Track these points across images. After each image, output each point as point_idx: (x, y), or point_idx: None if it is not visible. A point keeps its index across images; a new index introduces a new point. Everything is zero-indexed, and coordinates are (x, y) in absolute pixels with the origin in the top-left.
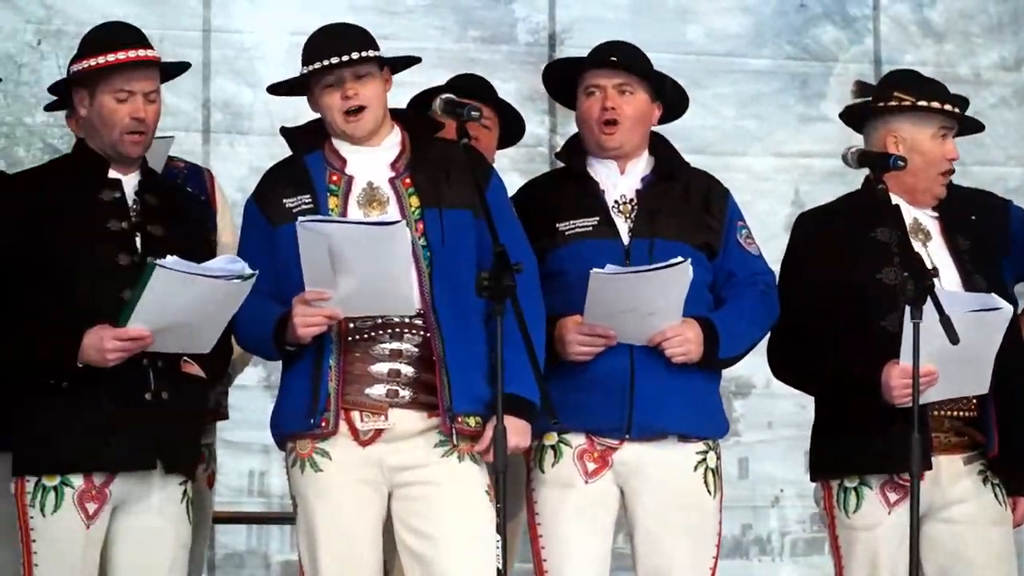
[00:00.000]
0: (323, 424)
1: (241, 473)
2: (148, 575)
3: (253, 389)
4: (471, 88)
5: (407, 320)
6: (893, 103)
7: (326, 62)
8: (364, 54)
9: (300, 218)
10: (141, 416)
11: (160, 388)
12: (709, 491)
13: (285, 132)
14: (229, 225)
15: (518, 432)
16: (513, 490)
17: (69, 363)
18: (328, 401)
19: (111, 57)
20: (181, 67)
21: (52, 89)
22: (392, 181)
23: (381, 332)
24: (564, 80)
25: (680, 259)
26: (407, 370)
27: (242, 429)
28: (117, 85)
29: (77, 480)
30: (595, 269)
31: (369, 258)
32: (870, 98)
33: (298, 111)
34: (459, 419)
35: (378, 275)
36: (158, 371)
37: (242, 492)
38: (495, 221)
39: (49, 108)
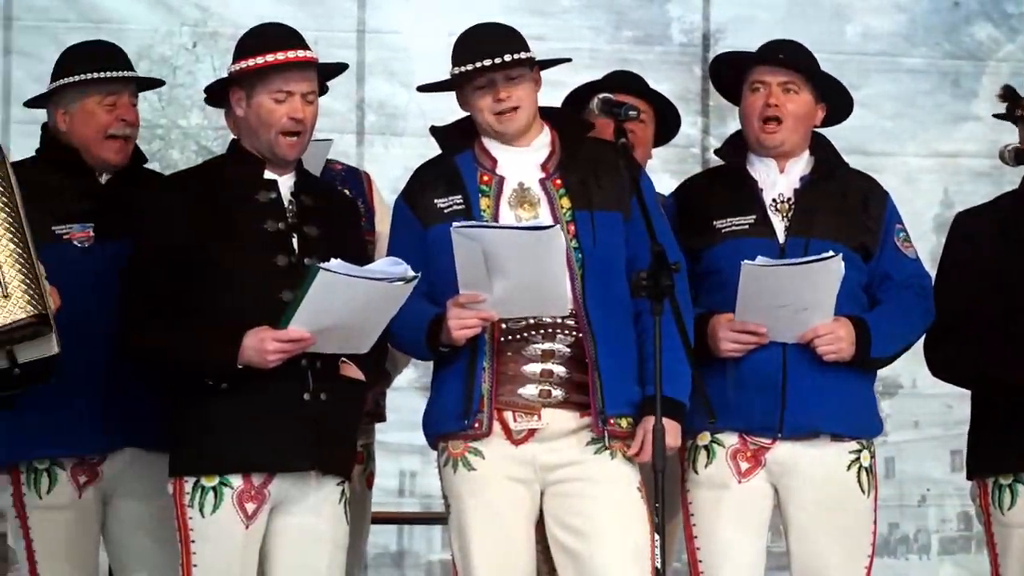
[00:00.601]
0: (476, 425)
1: (394, 474)
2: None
3: (406, 390)
4: (625, 83)
5: (559, 321)
6: None
7: (478, 64)
8: (517, 56)
9: (455, 223)
10: (299, 417)
11: (319, 389)
12: (863, 490)
13: (435, 131)
14: (388, 226)
15: (669, 433)
16: (671, 489)
17: (229, 365)
18: (482, 402)
19: (269, 57)
20: (338, 68)
21: (209, 89)
22: (543, 182)
23: (533, 333)
24: (729, 75)
25: (831, 253)
26: (559, 370)
27: (395, 430)
28: (275, 86)
29: (236, 480)
30: (745, 261)
31: (524, 261)
32: (1008, 103)
33: (452, 111)
34: (611, 421)
35: (533, 278)
36: (316, 372)
37: (394, 493)
38: (653, 220)
39: (210, 102)
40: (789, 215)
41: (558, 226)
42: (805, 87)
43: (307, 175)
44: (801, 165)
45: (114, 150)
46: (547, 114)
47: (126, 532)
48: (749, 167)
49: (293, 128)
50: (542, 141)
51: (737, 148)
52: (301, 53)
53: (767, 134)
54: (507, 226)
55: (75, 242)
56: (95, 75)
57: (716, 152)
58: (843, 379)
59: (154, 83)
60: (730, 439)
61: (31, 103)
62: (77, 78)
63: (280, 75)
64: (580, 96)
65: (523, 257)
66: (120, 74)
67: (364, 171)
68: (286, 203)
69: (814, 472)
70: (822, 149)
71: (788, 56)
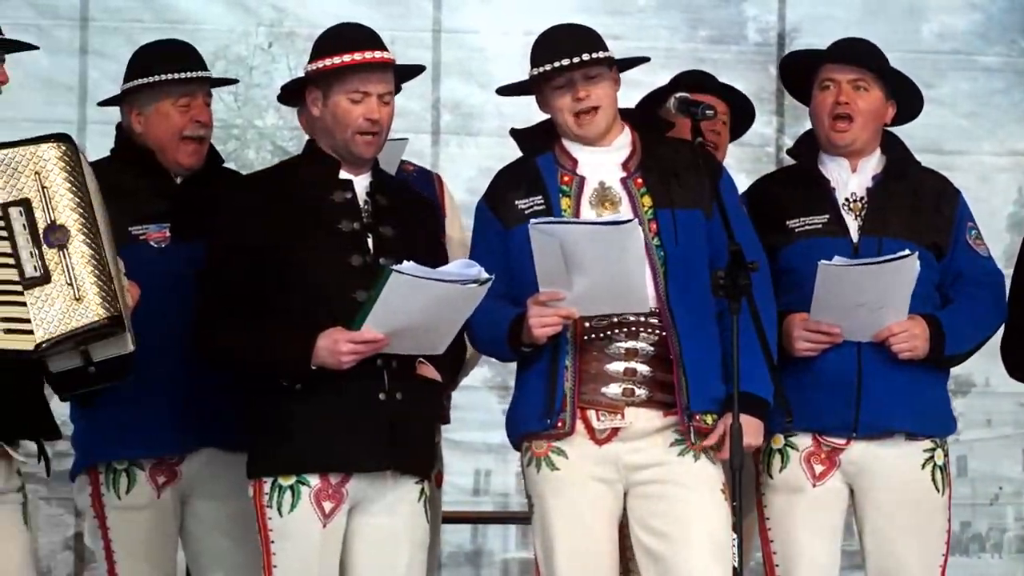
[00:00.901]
0: (559, 424)
1: (467, 472)
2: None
3: (480, 389)
4: (701, 83)
5: (642, 319)
6: None
7: (556, 64)
8: (595, 55)
9: (532, 220)
10: (374, 417)
11: (394, 389)
12: (938, 489)
13: (516, 133)
14: (459, 228)
15: (752, 431)
16: (748, 487)
17: (303, 366)
18: (564, 401)
19: (347, 57)
20: (415, 70)
21: (285, 88)
22: (624, 181)
23: (616, 331)
24: (799, 74)
25: (907, 252)
26: (643, 369)
27: (468, 429)
28: (352, 86)
29: (313, 479)
30: (823, 261)
31: (603, 257)
32: None
33: (528, 111)
34: (696, 417)
35: (612, 274)
36: (392, 372)
37: (469, 491)
38: (731, 219)
39: (283, 101)
40: (862, 214)
41: (635, 220)
42: (875, 84)
43: (383, 175)
44: (873, 164)
45: (189, 152)
46: (626, 114)
47: (204, 532)
48: (821, 166)
49: (369, 128)
50: (623, 141)
51: (809, 147)
52: (379, 54)
53: (838, 132)
54: (584, 221)
55: (151, 242)
56: (169, 76)
57: (788, 152)
58: (917, 378)
59: (228, 82)
60: (804, 442)
61: (106, 103)
62: (151, 79)
63: (357, 75)
64: (653, 101)
65: (601, 253)
66: (194, 74)
67: (436, 173)
68: (361, 203)
69: (889, 471)
70: (893, 147)
71: (858, 54)
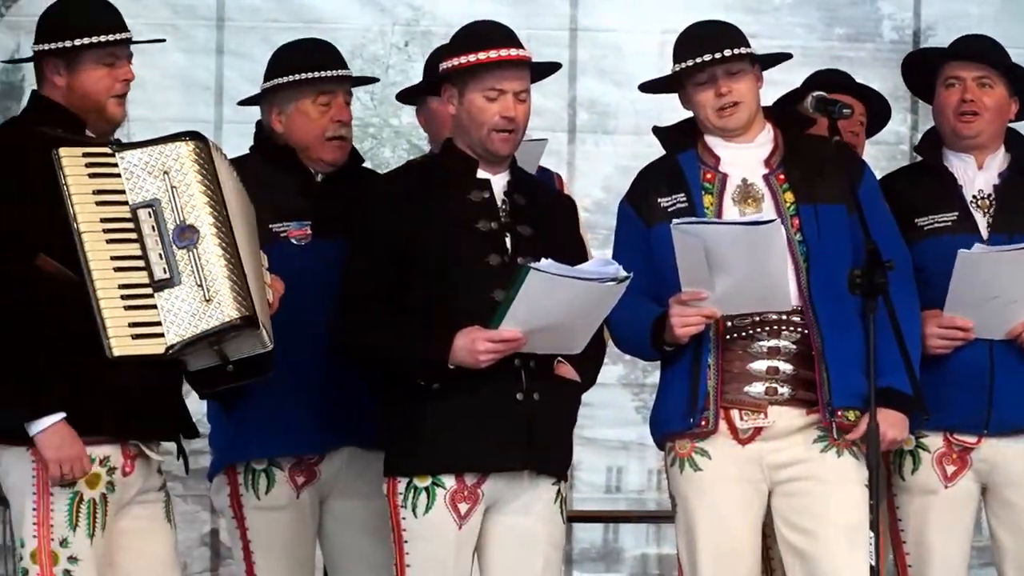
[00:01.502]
0: (703, 423)
1: (600, 469)
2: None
3: (613, 387)
4: (835, 81)
5: (784, 316)
6: None
7: (699, 59)
8: (738, 51)
9: (675, 220)
10: (512, 416)
11: (532, 389)
12: None
13: (658, 131)
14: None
15: (895, 426)
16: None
17: (440, 365)
18: (707, 400)
19: (483, 55)
20: (552, 67)
21: (418, 84)
22: (766, 177)
23: (759, 330)
24: (923, 72)
25: None
26: (786, 367)
27: (601, 426)
28: (488, 83)
29: (449, 480)
30: (962, 250)
31: (745, 257)
32: None
33: (664, 109)
34: (839, 413)
35: (755, 273)
36: (530, 372)
37: (601, 488)
38: (868, 217)
39: (401, 99)
40: (991, 211)
41: (777, 220)
42: (999, 81)
43: (521, 174)
44: (999, 160)
45: (332, 148)
46: (768, 110)
47: (343, 531)
48: (946, 163)
49: (505, 126)
50: (765, 137)
51: (933, 145)
52: (514, 51)
53: (963, 123)
54: (727, 222)
55: (293, 240)
56: (310, 75)
57: (915, 149)
58: None
59: (368, 81)
60: (935, 443)
61: (245, 103)
62: (291, 78)
63: (493, 73)
64: (792, 96)
65: (744, 253)
66: (334, 73)
67: (556, 172)
68: (499, 202)
69: (1021, 467)
70: (1019, 144)
71: (982, 51)
